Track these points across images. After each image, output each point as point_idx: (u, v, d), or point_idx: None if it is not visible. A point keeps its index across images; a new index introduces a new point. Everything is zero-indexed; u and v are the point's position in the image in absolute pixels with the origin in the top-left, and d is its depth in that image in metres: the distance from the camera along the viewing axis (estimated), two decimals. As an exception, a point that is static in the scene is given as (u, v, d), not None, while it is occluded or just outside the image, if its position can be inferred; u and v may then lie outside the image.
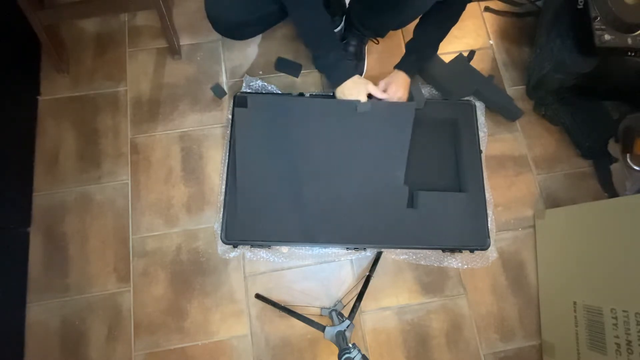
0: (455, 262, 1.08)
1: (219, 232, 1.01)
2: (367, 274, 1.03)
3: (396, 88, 1.00)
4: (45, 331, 1.01)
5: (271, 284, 1.06)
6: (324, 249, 1.07)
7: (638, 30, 0.97)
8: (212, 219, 1.09)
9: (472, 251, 1.06)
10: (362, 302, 0.99)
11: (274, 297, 1.03)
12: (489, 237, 1.04)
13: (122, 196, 1.10)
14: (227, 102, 1.19)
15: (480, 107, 1.18)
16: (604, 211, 0.93)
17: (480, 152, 1.11)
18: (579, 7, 1.01)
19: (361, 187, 1.01)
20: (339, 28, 1.24)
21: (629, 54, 0.98)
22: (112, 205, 1.10)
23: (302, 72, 1.16)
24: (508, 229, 1.14)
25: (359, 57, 1.19)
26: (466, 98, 1.17)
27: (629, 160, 1.07)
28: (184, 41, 1.24)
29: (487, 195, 1.10)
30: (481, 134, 1.15)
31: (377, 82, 1.03)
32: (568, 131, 1.19)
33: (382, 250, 1.07)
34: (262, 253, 1.06)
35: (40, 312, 1.02)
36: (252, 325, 1.04)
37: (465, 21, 1.00)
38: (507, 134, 1.21)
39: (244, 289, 1.06)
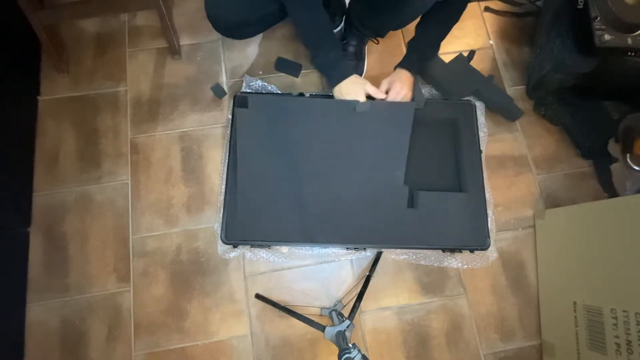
0: (455, 262, 1.08)
1: (219, 232, 1.01)
2: (367, 274, 1.03)
3: (400, 86, 1.00)
4: (45, 331, 1.01)
5: (271, 284, 1.06)
6: (324, 249, 1.07)
7: (638, 30, 0.97)
8: (212, 219, 1.09)
9: (472, 251, 1.06)
10: (362, 302, 0.99)
11: (274, 297, 1.03)
12: (489, 237, 1.04)
13: (122, 196, 1.10)
14: (227, 102, 1.19)
15: (480, 107, 1.18)
16: (604, 211, 0.93)
17: (480, 152, 1.11)
18: (579, 7, 1.01)
19: (361, 187, 1.01)
20: (339, 28, 1.24)
21: (629, 54, 0.98)
22: (112, 205, 1.10)
23: (302, 72, 1.16)
24: (508, 229, 1.14)
25: (359, 57, 1.19)
26: (466, 98, 1.17)
27: (629, 160, 1.07)
28: (184, 41, 1.24)
29: (487, 195, 1.10)
30: (481, 134, 1.15)
31: (380, 82, 1.02)
32: (568, 131, 1.19)
33: (382, 250, 1.07)
34: (262, 253, 1.06)
35: (40, 312, 1.02)
36: (252, 325, 1.04)
37: (465, 21, 1.00)
38: (507, 134, 1.21)
39: (244, 289, 1.06)
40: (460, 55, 1.18)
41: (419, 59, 1.03)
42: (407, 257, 1.08)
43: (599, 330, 0.88)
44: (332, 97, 1.03)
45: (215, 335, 1.03)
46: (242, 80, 1.18)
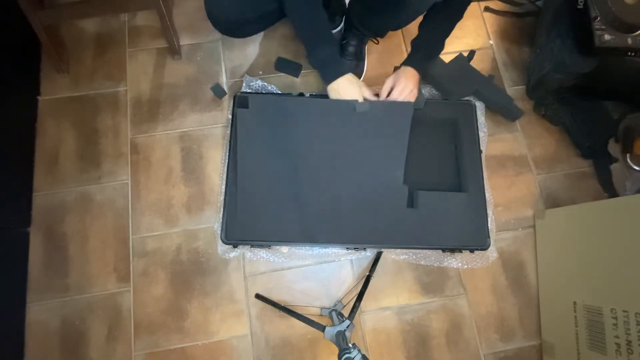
0: (455, 262, 1.08)
1: (219, 232, 1.01)
2: (367, 274, 1.03)
3: (405, 82, 0.99)
4: (45, 331, 1.01)
5: (271, 284, 1.06)
6: (324, 249, 1.07)
7: (638, 30, 0.97)
8: (212, 219, 1.09)
9: (472, 251, 1.06)
10: (362, 302, 0.99)
11: (274, 297, 1.03)
12: (489, 237, 1.04)
13: (122, 196, 1.10)
14: (227, 102, 1.19)
15: (480, 107, 1.18)
16: (604, 211, 0.93)
17: (480, 152, 1.11)
18: (579, 7, 1.01)
19: (361, 187, 1.01)
20: (339, 28, 1.24)
21: (629, 54, 0.98)
22: (112, 205, 1.10)
23: (302, 72, 1.16)
24: (508, 229, 1.14)
25: (359, 57, 1.19)
26: (466, 98, 1.17)
27: (629, 160, 1.07)
28: (184, 41, 1.24)
29: (487, 195, 1.10)
30: (481, 134, 1.15)
31: (380, 82, 1.02)
32: (568, 131, 1.19)
33: (382, 250, 1.07)
34: (262, 253, 1.06)
35: (40, 312, 1.02)
36: (252, 325, 1.04)
37: (465, 21, 1.00)
38: (507, 134, 1.21)
39: (244, 289, 1.06)
40: (460, 55, 1.18)
41: (425, 57, 1.02)
42: (407, 257, 1.08)
43: (599, 330, 0.88)
44: (332, 97, 1.03)
45: (215, 335, 1.03)
46: (242, 80, 1.18)
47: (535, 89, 1.20)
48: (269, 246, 1.05)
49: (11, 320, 1.00)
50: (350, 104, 0.98)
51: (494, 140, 1.20)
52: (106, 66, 1.21)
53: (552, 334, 1.04)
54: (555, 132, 1.22)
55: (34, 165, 1.12)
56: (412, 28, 1.05)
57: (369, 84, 1.20)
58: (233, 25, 1.07)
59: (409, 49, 1.05)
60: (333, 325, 0.86)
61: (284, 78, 1.21)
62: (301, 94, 1.12)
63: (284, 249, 1.07)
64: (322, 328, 0.86)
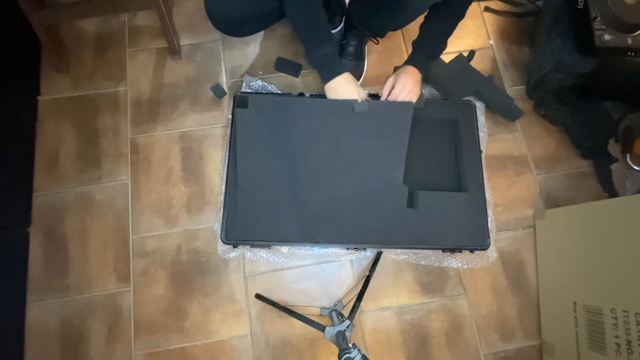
0: (455, 262, 1.08)
1: (219, 232, 1.01)
2: (367, 274, 1.03)
3: (406, 80, 0.98)
4: (45, 331, 1.01)
5: (271, 284, 1.06)
6: (324, 249, 1.07)
7: (638, 30, 0.97)
8: (212, 219, 1.09)
9: (472, 251, 1.06)
10: (362, 302, 0.99)
11: (274, 297, 1.03)
12: (489, 237, 1.04)
13: (122, 196, 1.10)
14: (227, 102, 1.19)
15: (480, 107, 1.18)
16: (604, 211, 0.93)
17: (480, 152, 1.11)
18: (579, 7, 1.01)
19: (361, 187, 1.01)
20: (339, 28, 1.24)
21: (629, 54, 0.98)
22: (112, 205, 1.10)
23: (302, 72, 1.16)
24: (508, 229, 1.14)
25: (359, 57, 1.19)
26: (466, 98, 1.17)
27: (629, 160, 1.07)
28: (184, 41, 1.24)
29: (487, 195, 1.10)
30: (481, 134, 1.15)
31: (380, 82, 1.02)
32: (568, 131, 1.19)
33: (382, 250, 1.07)
34: (262, 253, 1.06)
35: (40, 312, 1.02)
36: (252, 325, 1.04)
37: (465, 21, 1.00)
38: (507, 134, 1.21)
39: (244, 289, 1.06)
40: (460, 55, 1.19)
41: (426, 56, 1.02)
42: (407, 257, 1.08)
43: (599, 330, 0.88)
44: (331, 97, 1.02)
45: (215, 335, 1.03)
46: (242, 80, 1.18)
47: (535, 89, 1.20)
48: (269, 246, 1.05)
49: (11, 320, 1.00)
50: (350, 104, 0.98)
51: (494, 140, 1.20)
52: (106, 66, 1.21)
53: (552, 334, 1.04)
54: (555, 132, 1.22)
55: (34, 165, 1.12)
56: (412, 28, 1.05)
57: (369, 84, 1.21)
58: (233, 24, 1.07)
59: (410, 49, 1.05)
60: (333, 325, 0.86)
61: (284, 78, 1.21)
62: (301, 94, 1.12)
63: (284, 249, 1.07)
64: (322, 328, 0.86)
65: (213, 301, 1.04)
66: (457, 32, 1.02)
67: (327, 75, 0.97)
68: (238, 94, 1.12)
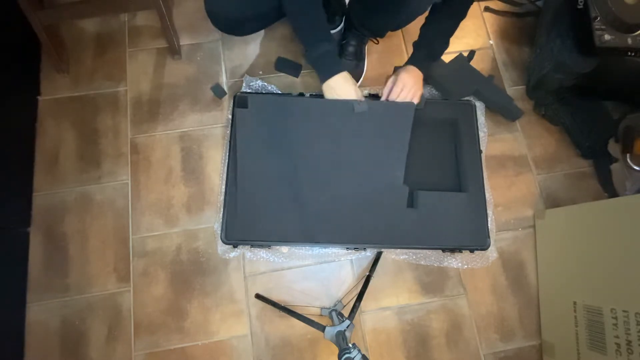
0: (455, 262, 1.08)
1: (219, 232, 1.01)
2: (367, 274, 1.03)
3: (407, 80, 0.98)
4: (45, 331, 1.01)
5: (271, 284, 1.06)
6: (324, 249, 1.07)
7: (638, 30, 0.97)
8: (212, 219, 1.09)
9: (472, 251, 1.06)
10: (362, 302, 0.99)
11: (274, 297, 1.03)
12: (489, 237, 1.04)
13: (122, 196, 1.10)
14: (227, 102, 1.19)
15: (480, 107, 1.18)
16: (604, 211, 0.93)
17: (480, 152, 1.11)
18: (579, 7, 1.01)
19: (361, 187, 1.01)
20: (339, 28, 1.24)
21: (629, 54, 0.98)
22: (112, 205, 1.10)
23: (302, 72, 1.16)
24: (508, 229, 1.14)
25: (359, 57, 1.19)
26: (466, 98, 1.17)
27: (629, 160, 1.07)
28: (184, 41, 1.24)
29: (487, 195, 1.10)
30: (481, 134, 1.15)
31: (380, 82, 1.02)
32: (568, 131, 1.19)
33: (382, 250, 1.07)
34: (262, 253, 1.06)
35: (40, 312, 1.02)
36: (252, 325, 1.04)
37: (465, 21, 1.00)
38: (507, 134, 1.21)
39: (244, 289, 1.06)
40: (460, 55, 1.19)
41: (427, 56, 1.02)
42: (407, 257, 1.08)
43: (599, 330, 0.88)
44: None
45: (215, 335, 1.03)
46: (242, 80, 1.18)
47: (535, 89, 1.20)
48: (269, 246, 1.05)
49: (11, 320, 1.00)
50: (350, 104, 0.98)
51: (494, 140, 1.20)
52: (106, 66, 1.21)
53: (552, 334, 1.04)
54: (555, 132, 1.22)
55: (34, 165, 1.11)
56: (412, 28, 1.05)
57: (369, 84, 1.21)
58: (233, 24, 1.06)
59: (410, 49, 1.05)
60: (333, 325, 0.86)
61: (284, 78, 1.21)
62: (301, 94, 1.12)
63: (284, 249, 1.07)
64: (322, 328, 0.86)
65: (213, 301, 1.04)
66: (457, 32, 1.02)
67: (325, 74, 0.96)
68: (238, 94, 1.12)
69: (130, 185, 1.11)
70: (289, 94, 1.14)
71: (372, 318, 1.06)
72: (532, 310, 1.09)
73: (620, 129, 1.10)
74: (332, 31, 1.25)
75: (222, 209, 1.02)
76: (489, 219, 1.08)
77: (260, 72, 1.22)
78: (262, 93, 1.15)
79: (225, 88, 1.19)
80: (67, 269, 1.05)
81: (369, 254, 1.09)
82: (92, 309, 1.03)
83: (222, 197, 1.05)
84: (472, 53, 1.18)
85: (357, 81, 1.20)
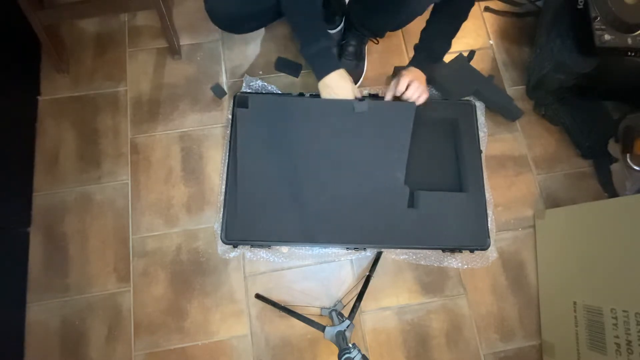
0: (455, 262, 1.08)
1: (219, 232, 1.01)
2: (367, 274, 1.03)
3: (412, 76, 0.98)
4: (45, 331, 1.01)
5: (271, 284, 1.06)
6: (324, 249, 1.07)
7: (638, 30, 0.97)
8: (212, 219, 1.09)
9: (472, 251, 1.06)
10: (362, 302, 0.99)
11: (274, 297, 1.03)
12: (489, 237, 1.04)
13: (122, 196, 1.10)
14: (227, 102, 1.19)
15: (480, 107, 1.18)
16: (604, 211, 0.93)
17: (480, 152, 1.11)
18: (579, 7, 1.01)
19: (361, 187, 1.01)
20: (339, 28, 1.24)
21: (629, 54, 0.98)
22: (112, 205, 1.10)
23: (302, 72, 1.16)
24: (508, 229, 1.14)
25: (359, 57, 1.19)
26: (466, 98, 1.17)
27: (629, 160, 1.07)
28: (184, 41, 1.24)
29: (487, 195, 1.10)
30: (481, 134, 1.15)
31: (380, 82, 1.01)
32: (568, 131, 1.19)
33: (382, 250, 1.07)
34: (262, 253, 1.06)
35: (40, 312, 1.02)
36: (252, 325, 1.04)
37: (465, 21, 1.00)
38: (507, 134, 1.21)
39: (244, 289, 1.06)
40: (460, 55, 1.19)
41: (427, 57, 1.02)
42: (407, 257, 1.08)
43: (599, 330, 0.88)
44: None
45: (215, 335, 1.03)
46: (242, 80, 1.18)
47: (535, 89, 1.20)
48: (269, 246, 1.05)
49: (11, 320, 1.00)
50: (350, 104, 0.98)
51: (494, 140, 1.20)
52: (106, 66, 1.21)
53: (552, 334, 1.04)
54: (555, 132, 1.22)
55: (34, 165, 1.12)
56: (412, 28, 1.05)
57: (369, 84, 1.21)
58: (232, 21, 1.06)
59: (410, 50, 1.05)
60: (333, 325, 0.86)
61: (284, 78, 1.21)
62: (301, 94, 1.12)
63: (284, 249, 1.07)
64: (322, 328, 0.86)
65: (213, 301, 1.04)
66: (457, 32, 1.02)
67: (321, 71, 0.95)
68: (238, 94, 1.12)
69: (130, 185, 1.11)
70: (289, 94, 1.14)
71: (372, 318, 1.06)
72: (532, 310, 1.09)
73: (620, 129, 1.10)
74: (332, 31, 1.25)
75: (222, 209, 1.02)
76: (489, 219, 1.08)
77: (260, 72, 1.22)
78: (262, 93, 1.15)
79: (225, 88, 1.19)
80: (67, 269, 1.05)
81: (369, 254, 1.09)
82: (92, 309, 1.03)
83: (222, 197, 1.05)
84: (472, 53, 1.18)
85: (357, 81, 1.20)
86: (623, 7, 0.97)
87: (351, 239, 1.01)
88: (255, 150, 1.01)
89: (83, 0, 1.13)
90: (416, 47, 1.03)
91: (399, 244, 1.04)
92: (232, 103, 1.13)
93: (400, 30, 1.28)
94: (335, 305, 1.02)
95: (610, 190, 1.15)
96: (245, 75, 1.18)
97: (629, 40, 0.97)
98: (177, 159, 1.14)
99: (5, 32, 1.12)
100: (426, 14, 0.99)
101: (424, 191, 1.02)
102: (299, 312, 0.95)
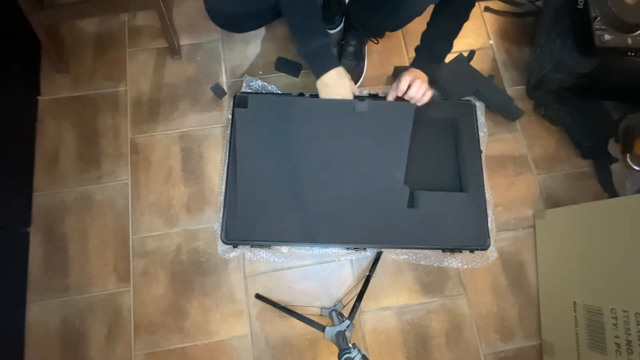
0: (455, 262, 1.08)
1: (219, 232, 1.01)
2: (367, 274, 1.03)
3: (414, 76, 0.97)
4: (45, 331, 1.01)
5: (271, 284, 1.06)
6: (324, 249, 1.07)
7: (638, 30, 0.97)
8: (212, 219, 1.09)
9: (472, 251, 1.05)
10: (362, 302, 0.99)
11: (274, 297, 1.03)
12: (489, 237, 1.04)
13: (122, 196, 1.10)
14: (227, 102, 1.19)
15: (480, 107, 1.18)
16: (604, 211, 0.93)
17: (480, 152, 1.11)
18: (579, 7, 1.01)
19: (361, 187, 1.01)
20: (339, 28, 1.24)
21: (629, 54, 0.98)
22: (112, 205, 1.10)
23: (302, 72, 1.16)
24: (508, 229, 1.14)
25: (359, 57, 1.19)
26: (466, 98, 1.17)
27: (629, 160, 1.07)
28: (184, 41, 1.24)
29: (487, 195, 1.10)
30: (481, 134, 1.15)
31: (380, 82, 1.01)
32: (568, 131, 1.19)
33: (382, 250, 1.07)
34: (262, 253, 1.06)
35: (40, 312, 1.02)
36: (252, 325, 1.04)
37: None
38: (507, 134, 1.21)
39: (244, 289, 1.06)
40: (460, 55, 1.19)
41: (428, 58, 1.01)
42: (407, 257, 1.08)
43: (599, 330, 0.88)
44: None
45: (215, 335, 1.03)
46: (242, 80, 1.18)
47: (535, 89, 1.20)
48: (269, 246, 1.05)
49: (11, 320, 1.00)
50: (351, 104, 0.98)
51: (494, 140, 1.20)
52: (106, 66, 1.21)
53: (552, 334, 1.04)
54: (555, 132, 1.22)
55: (34, 165, 1.12)
56: (412, 28, 1.05)
57: (369, 84, 1.21)
58: (232, 20, 1.06)
59: (410, 50, 1.05)
60: (333, 325, 0.86)
61: (284, 78, 1.21)
62: (301, 94, 1.12)
63: (284, 249, 1.07)
64: (322, 328, 0.86)
65: (213, 301, 1.04)
66: (456, 32, 1.01)
67: (319, 69, 0.95)
68: (238, 94, 1.12)
69: (130, 185, 1.11)
70: (289, 94, 1.13)
71: (372, 318, 1.06)
72: (532, 310, 1.09)
73: (620, 129, 1.10)
74: (332, 31, 1.25)
75: (222, 209, 1.02)
76: (489, 219, 1.08)
77: (260, 72, 1.22)
78: (262, 93, 1.15)
79: (225, 88, 1.19)
80: (67, 269, 1.05)
81: (369, 254, 1.09)
82: (92, 309, 1.03)
83: (222, 197, 1.05)
84: (472, 53, 1.18)
85: (357, 81, 1.20)
86: (623, 7, 0.97)
87: (351, 239, 1.01)
88: (255, 150, 1.01)
89: (83, 0, 1.13)
90: (417, 49, 1.03)
91: (399, 244, 1.04)
92: (232, 103, 1.13)
93: (400, 31, 1.28)
94: (335, 305, 1.02)
95: (610, 190, 1.15)
96: (245, 75, 1.18)
97: (629, 40, 0.97)
98: (177, 159, 1.14)
99: (5, 32, 1.12)
100: (427, 15, 0.99)
101: (424, 191, 1.02)
102: (299, 312, 0.95)
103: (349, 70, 0.99)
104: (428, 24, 1.01)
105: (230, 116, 1.12)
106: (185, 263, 1.07)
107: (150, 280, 1.05)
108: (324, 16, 1.22)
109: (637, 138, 1.05)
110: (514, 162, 1.19)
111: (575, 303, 0.95)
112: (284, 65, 1.13)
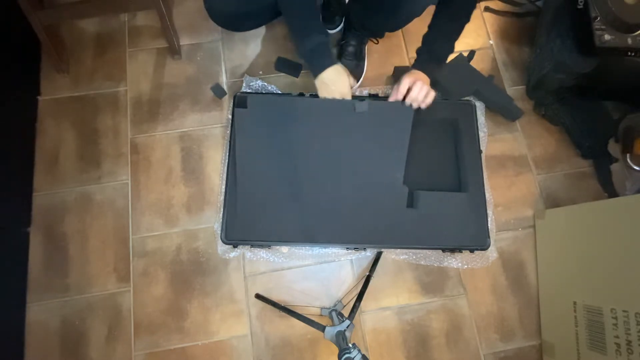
0: (455, 262, 1.08)
1: (219, 232, 1.01)
2: (367, 274, 1.03)
3: (416, 77, 0.97)
4: (45, 331, 1.01)
5: (271, 284, 1.06)
6: (324, 249, 1.07)
7: (638, 30, 0.97)
8: (212, 219, 1.09)
9: (472, 251, 1.05)
10: (362, 302, 0.99)
11: (274, 297, 1.03)
12: (489, 237, 1.04)
13: (122, 196, 1.10)
14: (227, 102, 1.19)
15: (480, 107, 1.18)
16: (604, 211, 0.93)
17: (480, 152, 1.11)
18: (579, 7, 1.01)
19: (361, 186, 1.01)
20: (339, 28, 1.24)
21: (629, 54, 0.98)
22: (112, 205, 1.10)
23: (302, 72, 1.16)
24: (508, 229, 1.14)
25: (359, 57, 1.19)
26: (466, 98, 1.17)
27: (629, 160, 1.07)
28: (184, 41, 1.24)
29: (487, 195, 1.10)
30: (481, 134, 1.15)
31: (380, 82, 1.01)
32: (568, 131, 1.19)
33: (382, 250, 1.07)
34: (262, 253, 1.06)
35: (40, 312, 1.02)
36: (252, 325, 1.04)
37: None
38: (507, 134, 1.21)
39: (244, 289, 1.06)
40: (460, 55, 1.19)
41: (429, 59, 1.00)
42: (407, 257, 1.08)
43: (599, 330, 0.88)
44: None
45: (215, 335, 1.03)
46: (242, 80, 1.18)
47: (535, 89, 1.20)
48: (269, 246, 1.05)
49: (11, 320, 1.00)
50: (351, 104, 0.98)
51: (494, 140, 1.20)
52: (106, 66, 1.21)
53: (552, 334, 1.04)
54: (555, 132, 1.22)
55: (34, 165, 1.11)
56: (412, 28, 1.05)
57: (369, 84, 1.22)
58: (232, 19, 1.06)
59: (410, 50, 1.04)
60: (333, 325, 0.86)
61: (284, 78, 1.21)
62: (301, 94, 1.12)
63: (284, 249, 1.07)
64: (322, 328, 0.86)
65: (213, 301, 1.04)
66: (457, 32, 1.01)
67: (317, 68, 0.94)
68: (238, 94, 1.12)
69: (130, 185, 1.11)
70: (289, 94, 1.13)
71: (372, 318, 1.06)
72: (532, 310, 1.09)
73: (620, 129, 1.10)
74: (332, 31, 1.25)
75: (222, 209, 1.02)
76: (489, 219, 1.08)
77: (260, 72, 1.22)
78: (262, 93, 1.15)
79: (225, 88, 1.19)
80: (67, 269, 1.05)
81: (369, 254, 1.09)
82: (92, 309, 1.03)
83: (222, 197, 1.05)
84: (472, 53, 1.18)
85: (357, 81, 1.20)
86: (623, 7, 0.97)
87: (351, 239, 1.01)
88: (255, 150, 1.01)
89: (83, 0, 1.13)
90: (418, 51, 1.02)
91: (399, 244, 1.04)
92: (232, 103, 1.13)
93: (400, 31, 1.28)
94: (335, 305, 1.02)
95: (610, 190, 1.15)
96: (245, 75, 1.18)
97: (629, 40, 0.97)
98: (177, 159, 1.14)
99: (5, 32, 1.12)
100: (427, 16, 0.99)
101: (424, 191, 1.02)
102: (299, 312, 0.95)
103: (349, 70, 0.99)
104: (429, 25, 1.01)
105: (230, 116, 1.12)
106: (185, 263, 1.07)
107: (150, 280, 1.05)
108: (324, 16, 1.22)
109: (637, 138, 1.05)
110: (514, 162, 1.19)
111: (575, 303, 0.95)
112: (284, 65, 1.13)
